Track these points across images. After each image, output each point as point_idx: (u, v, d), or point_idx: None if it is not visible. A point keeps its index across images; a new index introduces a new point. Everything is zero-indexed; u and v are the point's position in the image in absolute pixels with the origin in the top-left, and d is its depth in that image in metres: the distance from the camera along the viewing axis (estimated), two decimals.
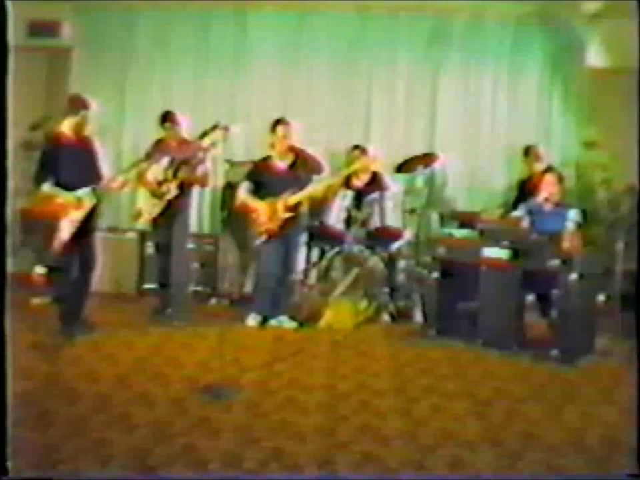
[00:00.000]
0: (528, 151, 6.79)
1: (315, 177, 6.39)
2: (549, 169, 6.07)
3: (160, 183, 5.91)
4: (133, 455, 3.36)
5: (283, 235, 6.04)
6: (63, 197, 5.20)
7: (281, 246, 6.06)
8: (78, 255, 5.40)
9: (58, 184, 5.22)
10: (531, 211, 5.69)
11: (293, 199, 6.01)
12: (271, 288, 6.07)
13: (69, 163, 5.26)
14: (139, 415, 3.88)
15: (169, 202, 5.93)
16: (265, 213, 6.03)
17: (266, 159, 6.16)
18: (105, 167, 5.50)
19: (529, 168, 6.72)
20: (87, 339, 5.29)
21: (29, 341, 5.01)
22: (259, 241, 6.12)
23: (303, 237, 6.62)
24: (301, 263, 6.70)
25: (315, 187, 6.12)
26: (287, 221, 6.02)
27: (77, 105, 5.34)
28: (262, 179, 6.11)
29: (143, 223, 6.21)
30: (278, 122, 6.05)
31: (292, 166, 6.13)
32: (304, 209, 6.24)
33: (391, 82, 7.73)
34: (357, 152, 6.81)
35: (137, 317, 6.07)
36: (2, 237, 2.85)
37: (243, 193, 6.15)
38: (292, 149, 6.12)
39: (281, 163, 6.13)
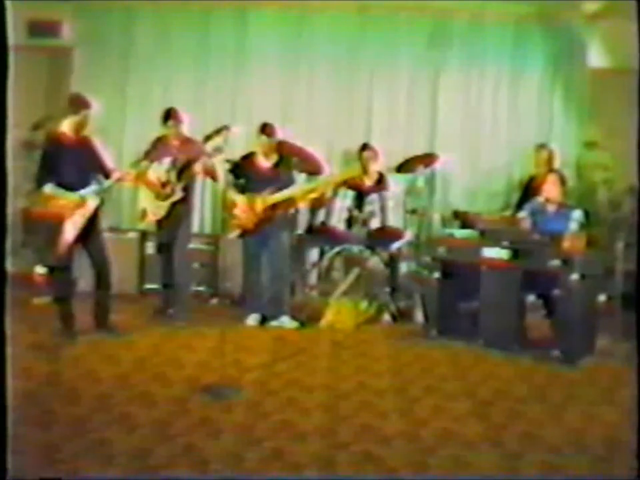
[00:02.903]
0: (541, 149, 6.76)
1: (314, 178, 6.42)
2: (551, 170, 6.08)
3: (163, 184, 5.90)
4: (133, 455, 3.35)
5: (260, 232, 6.03)
6: (66, 197, 5.20)
7: (260, 243, 6.05)
8: (90, 259, 5.41)
9: (60, 184, 5.22)
10: (534, 212, 5.69)
11: (271, 198, 6.00)
12: (256, 284, 6.07)
13: (70, 162, 5.25)
14: (139, 414, 3.87)
15: (174, 203, 5.93)
16: (241, 207, 6.04)
17: (250, 156, 6.16)
18: (111, 163, 5.51)
19: (538, 168, 6.70)
20: (87, 339, 5.30)
21: (29, 340, 5.02)
22: (232, 235, 6.15)
23: (304, 237, 6.62)
24: (301, 263, 6.70)
25: (299, 189, 6.13)
26: (264, 219, 6.02)
27: (78, 104, 5.32)
28: (245, 175, 6.12)
29: (147, 224, 6.21)
30: (263, 129, 6.03)
31: (276, 165, 6.13)
32: (286, 208, 6.21)
33: (392, 82, 7.72)
34: (366, 153, 6.77)
35: (138, 317, 6.07)
36: (2, 236, 2.85)
37: (227, 187, 6.17)
38: (277, 148, 6.12)
39: (265, 161, 6.13)
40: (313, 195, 6.27)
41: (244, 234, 6.09)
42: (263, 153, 6.10)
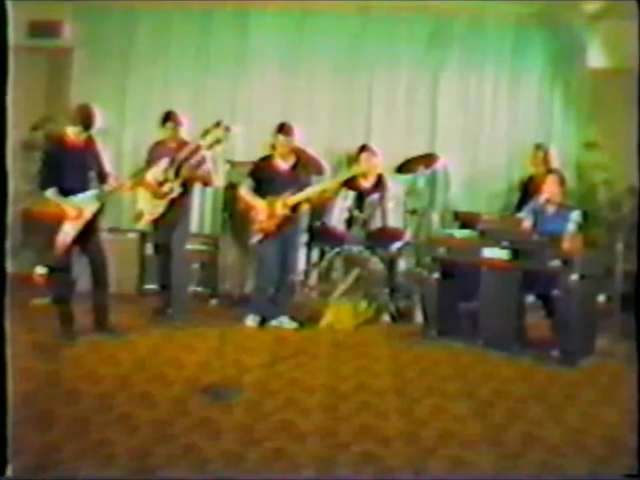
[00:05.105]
0: (539, 150, 6.77)
1: (315, 178, 6.42)
2: (551, 170, 6.10)
3: (161, 183, 5.90)
4: (133, 456, 3.36)
5: (280, 234, 6.04)
6: (66, 204, 5.20)
7: (278, 246, 6.06)
8: (87, 259, 5.41)
9: (63, 186, 5.21)
10: (534, 212, 5.70)
11: (292, 199, 6.02)
12: (268, 288, 6.08)
13: (73, 164, 5.25)
14: (139, 415, 3.88)
15: (171, 202, 5.92)
16: (263, 211, 6.04)
17: (268, 158, 6.16)
18: (109, 167, 5.51)
19: (536, 167, 6.71)
20: (87, 339, 5.30)
21: (29, 341, 5.02)
22: (255, 239, 6.14)
23: (303, 238, 6.62)
24: (300, 263, 6.70)
25: (313, 189, 6.14)
26: (285, 221, 6.03)
27: (82, 121, 5.26)
28: (263, 177, 6.12)
29: (144, 224, 6.21)
30: (281, 128, 6.04)
31: (294, 167, 6.14)
32: (303, 209, 6.25)
33: (392, 82, 7.72)
34: (364, 154, 6.76)
35: (138, 318, 6.07)
36: (2, 237, 2.85)
37: (244, 190, 6.16)
38: (294, 150, 6.13)
39: (283, 163, 6.13)
40: (327, 195, 6.29)
41: (264, 237, 6.08)
42: (281, 154, 6.10)
